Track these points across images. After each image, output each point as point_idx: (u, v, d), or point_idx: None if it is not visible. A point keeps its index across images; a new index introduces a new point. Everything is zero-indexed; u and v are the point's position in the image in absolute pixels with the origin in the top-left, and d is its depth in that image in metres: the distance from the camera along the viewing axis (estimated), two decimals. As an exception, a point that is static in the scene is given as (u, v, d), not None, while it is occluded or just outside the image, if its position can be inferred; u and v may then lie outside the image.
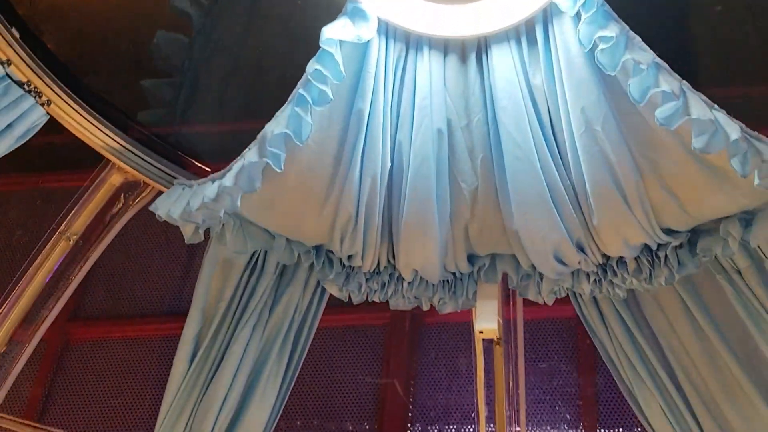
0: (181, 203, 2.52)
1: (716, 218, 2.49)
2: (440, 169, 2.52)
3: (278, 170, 2.29)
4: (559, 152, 2.44)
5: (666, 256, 2.61)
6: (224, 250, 2.82)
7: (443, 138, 2.46)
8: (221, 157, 2.62)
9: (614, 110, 2.29)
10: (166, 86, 2.76)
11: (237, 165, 2.36)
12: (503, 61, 2.33)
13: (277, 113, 2.29)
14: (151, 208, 2.61)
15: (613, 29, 2.08)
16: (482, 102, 2.43)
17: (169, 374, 2.85)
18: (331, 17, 2.19)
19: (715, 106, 2.07)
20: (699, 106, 2.05)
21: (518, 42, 2.32)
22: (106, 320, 3.52)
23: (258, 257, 2.89)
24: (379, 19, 2.25)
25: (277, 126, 2.26)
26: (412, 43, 2.39)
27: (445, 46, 2.38)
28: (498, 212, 2.60)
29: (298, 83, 2.25)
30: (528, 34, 2.31)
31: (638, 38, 2.09)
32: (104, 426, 3.39)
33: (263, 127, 2.33)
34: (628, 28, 2.10)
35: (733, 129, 2.04)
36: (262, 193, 2.42)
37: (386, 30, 2.34)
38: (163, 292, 3.44)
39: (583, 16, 2.11)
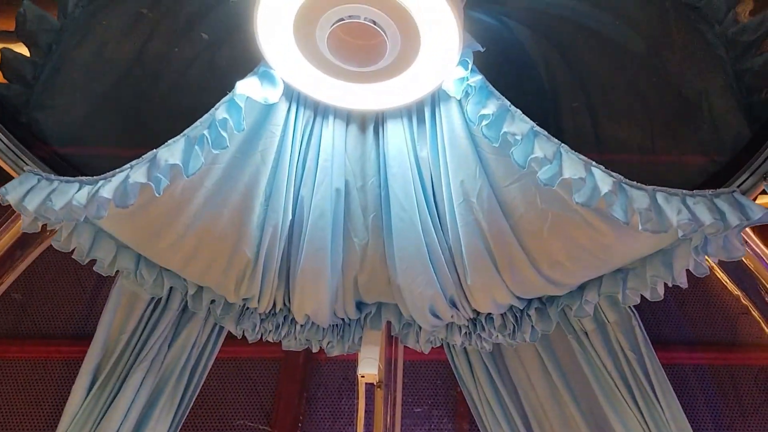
0: (39, 196, 2.42)
1: (636, 259, 2.64)
2: (336, 224, 2.72)
3: (157, 195, 2.33)
4: (438, 217, 2.70)
5: (528, 315, 2.89)
6: (132, 283, 2.95)
7: (341, 196, 2.67)
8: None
9: (492, 182, 2.52)
10: (27, 63, 2.54)
11: (117, 178, 2.34)
12: (396, 134, 2.57)
13: (171, 141, 2.32)
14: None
15: (492, 107, 2.28)
16: (376, 167, 2.66)
17: (67, 398, 2.90)
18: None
19: (593, 163, 2.22)
20: (572, 166, 2.20)
21: (410, 119, 2.57)
22: (5, 339, 3.44)
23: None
24: (292, 87, 2.43)
25: (171, 156, 2.29)
26: (320, 110, 2.60)
27: (348, 116, 2.61)
28: (384, 266, 2.82)
29: (200, 122, 2.33)
30: (418, 112, 2.56)
31: (518, 112, 2.27)
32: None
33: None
34: (508, 103, 2.28)
35: (605, 182, 2.19)
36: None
37: (298, 97, 2.54)
38: (68, 315, 3.42)
39: (468, 98, 2.35)
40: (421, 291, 2.80)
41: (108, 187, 2.32)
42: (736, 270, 2.79)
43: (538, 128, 2.26)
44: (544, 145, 2.24)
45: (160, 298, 3.04)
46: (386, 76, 2.28)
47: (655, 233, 2.22)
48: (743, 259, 2.74)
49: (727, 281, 2.85)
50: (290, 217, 2.68)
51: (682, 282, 2.54)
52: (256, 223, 2.64)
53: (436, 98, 2.50)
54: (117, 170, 2.36)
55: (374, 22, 2.04)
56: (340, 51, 2.17)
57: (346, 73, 2.28)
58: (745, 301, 2.84)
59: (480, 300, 2.85)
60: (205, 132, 2.32)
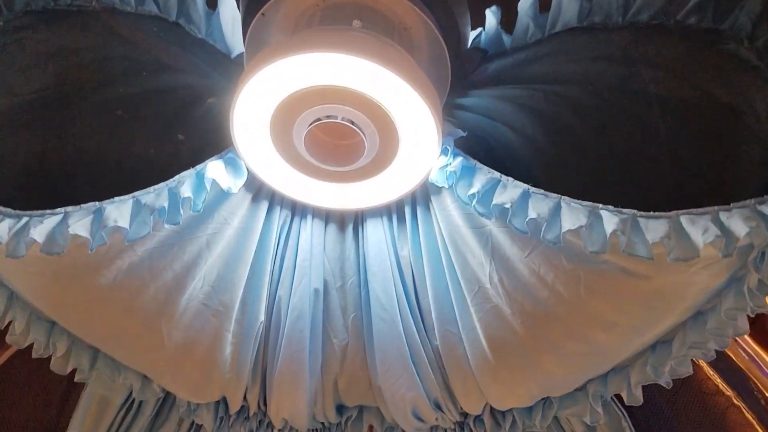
0: None
1: (705, 299, 2.23)
2: (314, 325, 2.65)
3: (89, 252, 2.04)
4: (422, 317, 2.64)
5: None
6: (102, 387, 2.83)
7: (319, 297, 2.62)
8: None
9: (508, 260, 2.31)
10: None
11: (50, 221, 2.02)
12: (376, 233, 2.54)
13: (118, 200, 2.08)
14: None
15: (479, 183, 2.15)
16: (356, 267, 2.63)
17: None
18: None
19: (599, 205, 1.98)
20: (572, 216, 1.99)
21: (389, 217, 2.55)
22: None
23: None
24: (270, 186, 2.38)
25: (120, 217, 2.05)
26: (298, 210, 2.58)
27: (326, 216, 2.59)
28: (365, 367, 2.75)
29: (155, 189, 2.13)
30: (398, 210, 2.54)
31: (510, 180, 2.10)
32: None
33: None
34: (498, 175, 2.13)
35: (611, 222, 1.95)
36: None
37: (273, 195, 2.51)
38: (34, 427, 3.30)
39: (458, 183, 2.23)
40: (403, 393, 2.72)
41: (40, 228, 2.00)
42: (726, 368, 2.72)
43: (533, 189, 2.08)
44: (538, 205, 2.05)
45: (132, 403, 2.91)
46: (365, 175, 2.26)
47: (686, 261, 1.91)
48: (732, 356, 2.68)
49: (719, 380, 2.78)
50: (261, 319, 2.61)
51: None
52: (185, 305, 2.49)
53: (419, 195, 2.47)
54: (47, 211, 2.04)
55: (352, 122, 2.03)
56: (317, 151, 2.15)
57: (323, 172, 2.26)
58: (737, 401, 2.76)
59: (496, 396, 2.69)
60: (165, 204, 2.14)
